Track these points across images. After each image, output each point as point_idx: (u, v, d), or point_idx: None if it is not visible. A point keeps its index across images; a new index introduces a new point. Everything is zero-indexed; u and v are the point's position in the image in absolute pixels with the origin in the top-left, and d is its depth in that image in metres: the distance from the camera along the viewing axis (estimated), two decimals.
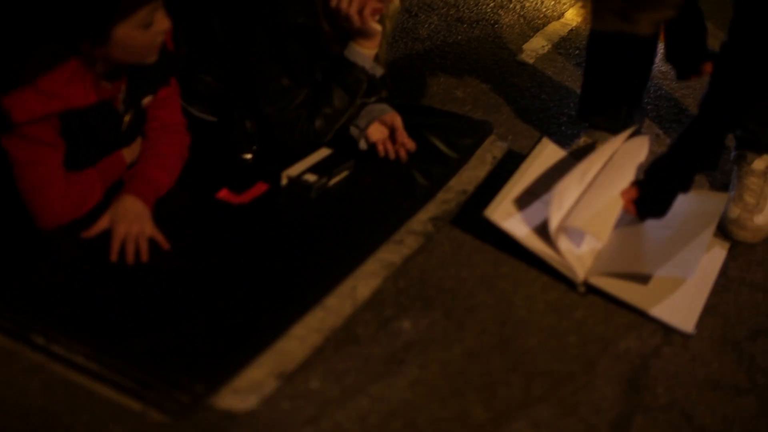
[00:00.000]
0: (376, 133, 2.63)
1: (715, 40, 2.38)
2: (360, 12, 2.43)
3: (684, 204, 2.32)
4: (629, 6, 1.72)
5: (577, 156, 2.54)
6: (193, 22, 2.53)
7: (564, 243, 2.25)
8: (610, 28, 1.79)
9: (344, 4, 2.42)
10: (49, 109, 2.07)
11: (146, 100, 2.34)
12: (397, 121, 2.63)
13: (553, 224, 2.26)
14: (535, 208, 2.37)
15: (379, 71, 2.57)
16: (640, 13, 1.75)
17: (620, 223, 2.37)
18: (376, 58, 2.56)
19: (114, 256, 2.18)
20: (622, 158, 2.44)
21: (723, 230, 2.50)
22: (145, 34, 2.06)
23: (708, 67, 2.27)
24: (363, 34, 2.49)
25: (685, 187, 2.29)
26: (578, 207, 2.30)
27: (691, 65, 2.31)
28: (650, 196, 2.31)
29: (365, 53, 2.52)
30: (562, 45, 3.63)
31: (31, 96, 2.04)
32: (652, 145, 2.56)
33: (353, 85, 2.54)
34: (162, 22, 2.09)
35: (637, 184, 2.34)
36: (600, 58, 2.72)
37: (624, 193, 2.33)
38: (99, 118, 2.19)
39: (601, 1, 1.74)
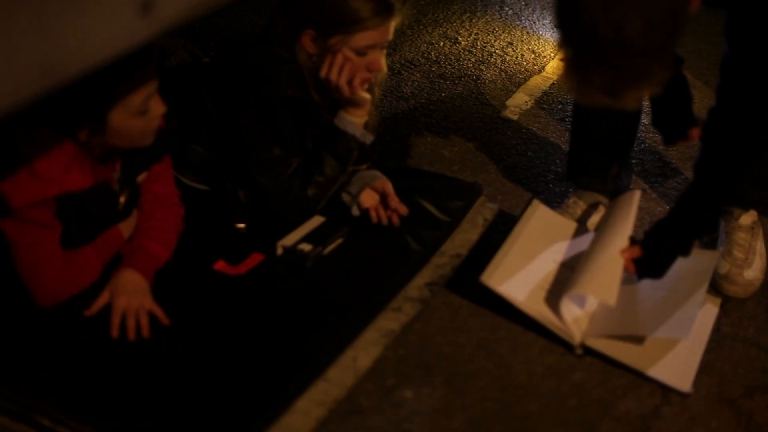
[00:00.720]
0: (368, 199, 2.65)
1: (700, 93, 2.43)
2: (349, 82, 2.46)
3: (676, 263, 2.35)
4: (616, 84, 1.75)
5: (567, 216, 2.58)
6: (184, 95, 2.55)
7: (566, 308, 2.28)
8: (595, 103, 1.82)
9: (334, 76, 2.45)
10: (46, 193, 2.08)
11: (141, 177, 2.36)
12: (388, 186, 2.66)
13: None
14: (530, 272, 2.40)
15: (369, 138, 2.59)
16: (626, 90, 1.78)
17: None
18: (366, 126, 2.58)
19: (115, 331, 2.18)
20: (614, 216, 2.48)
21: (713, 285, 2.54)
22: (141, 120, 2.08)
23: (695, 133, 2.31)
24: (352, 103, 2.52)
25: (686, 252, 2.31)
26: (578, 272, 2.33)
27: (678, 131, 2.35)
28: (650, 259, 2.32)
29: (355, 121, 2.55)
30: (545, 100, 3.68)
31: (29, 181, 2.05)
32: (641, 200, 2.60)
33: (344, 153, 2.56)
34: (157, 108, 2.11)
35: (638, 243, 2.34)
36: (586, 122, 2.78)
37: (624, 252, 2.32)
38: (95, 200, 2.20)
39: (586, 79, 1.77)
